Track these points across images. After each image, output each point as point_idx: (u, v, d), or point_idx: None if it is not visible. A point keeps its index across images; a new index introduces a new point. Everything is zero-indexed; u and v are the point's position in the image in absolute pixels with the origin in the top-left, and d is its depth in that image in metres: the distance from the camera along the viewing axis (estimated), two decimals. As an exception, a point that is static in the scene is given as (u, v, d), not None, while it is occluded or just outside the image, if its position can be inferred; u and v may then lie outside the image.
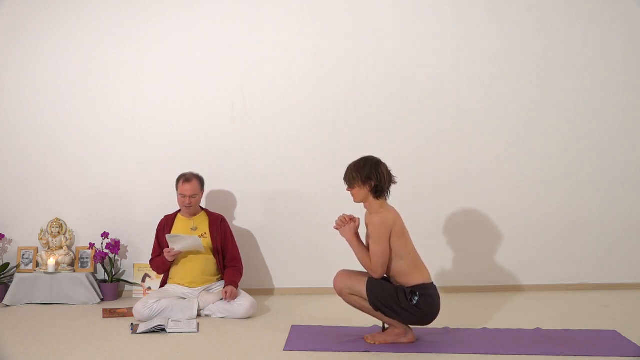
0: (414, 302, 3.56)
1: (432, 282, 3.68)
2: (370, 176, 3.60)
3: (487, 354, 3.51)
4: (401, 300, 3.57)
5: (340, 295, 3.71)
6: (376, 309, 3.62)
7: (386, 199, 3.68)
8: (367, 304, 3.64)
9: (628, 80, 5.08)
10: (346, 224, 3.70)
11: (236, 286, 4.41)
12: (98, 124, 5.04)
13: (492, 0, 5.04)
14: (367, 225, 3.67)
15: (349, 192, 3.71)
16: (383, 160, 3.66)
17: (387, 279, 3.70)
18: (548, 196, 5.08)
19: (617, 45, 5.06)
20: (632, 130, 5.09)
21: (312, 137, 5.03)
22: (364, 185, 3.62)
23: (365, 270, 3.68)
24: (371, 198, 3.64)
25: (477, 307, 4.57)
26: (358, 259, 3.66)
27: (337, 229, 3.73)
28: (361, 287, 3.61)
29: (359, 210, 3.79)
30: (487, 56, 5.05)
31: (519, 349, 3.58)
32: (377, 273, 3.60)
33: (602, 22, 5.05)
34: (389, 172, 3.65)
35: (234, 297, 4.31)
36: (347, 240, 3.69)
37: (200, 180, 4.59)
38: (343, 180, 3.71)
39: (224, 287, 4.36)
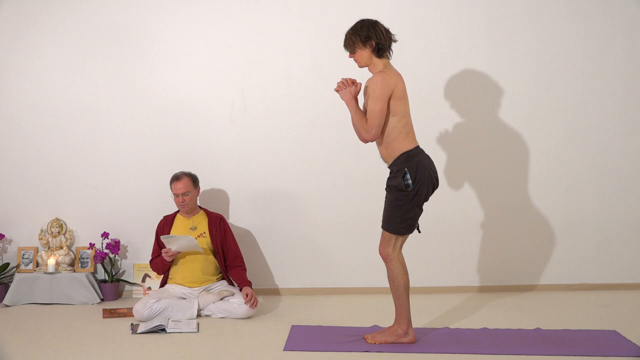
0: (409, 182, 3.54)
1: (418, 146, 3.65)
2: (369, 35, 3.60)
3: (487, 354, 3.52)
4: (403, 199, 3.56)
5: (386, 260, 3.67)
6: (405, 228, 3.61)
7: (389, 59, 3.67)
8: (403, 280, 3.62)
9: (628, 80, 5.08)
10: (347, 86, 3.68)
11: (251, 285, 4.43)
12: (98, 123, 5.04)
13: (492, 0, 5.04)
14: (366, 87, 3.62)
15: (352, 59, 3.68)
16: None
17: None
18: (548, 196, 5.08)
19: (617, 45, 5.06)
20: (632, 130, 5.09)
21: (312, 137, 5.03)
22: (364, 46, 3.62)
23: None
24: (375, 59, 3.64)
25: (477, 307, 4.57)
26: (354, 121, 3.64)
27: (337, 91, 3.72)
28: (386, 234, 3.64)
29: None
30: (487, 56, 5.05)
31: (519, 349, 3.58)
32: (371, 133, 3.57)
33: (602, 22, 5.05)
34: (387, 30, 3.65)
35: (255, 301, 4.30)
36: (345, 102, 3.68)
37: (192, 178, 4.58)
38: (343, 48, 3.70)
39: (243, 290, 4.35)
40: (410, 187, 3.54)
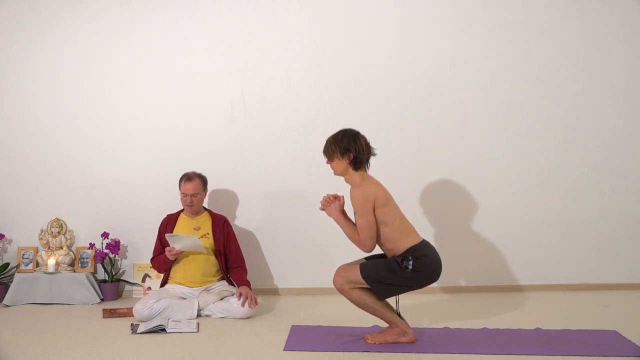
0: (410, 267, 3.54)
1: (423, 240, 3.66)
2: (349, 148, 3.60)
3: (487, 354, 3.52)
4: (397, 272, 3.56)
5: (341, 292, 3.67)
6: (380, 291, 3.60)
7: (366, 171, 3.68)
8: (368, 299, 3.62)
9: (628, 80, 5.08)
10: (331, 203, 3.70)
11: (249, 286, 4.42)
12: (98, 123, 5.05)
13: (492, 0, 5.04)
14: (351, 201, 3.63)
15: (329, 165, 3.70)
16: (362, 133, 3.66)
17: (380, 256, 3.71)
18: (548, 196, 5.08)
19: (617, 45, 5.06)
20: (632, 130, 5.09)
21: (312, 137, 5.02)
22: (342, 157, 3.62)
23: (359, 259, 3.71)
24: (351, 170, 3.65)
25: (477, 307, 4.57)
26: (347, 235, 3.65)
27: (322, 209, 3.73)
28: (358, 275, 3.61)
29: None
30: (487, 56, 5.05)
31: (519, 349, 3.58)
32: (367, 246, 3.58)
33: (602, 22, 5.05)
34: (367, 144, 3.64)
35: (254, 300, 4.30)
36: (334, 219, 3.69)
37: (203, 180, 4.59)
38: (322, 154, 3.71)
39: (238, 289, 4.35)
40: (408, 269, 3.55)
